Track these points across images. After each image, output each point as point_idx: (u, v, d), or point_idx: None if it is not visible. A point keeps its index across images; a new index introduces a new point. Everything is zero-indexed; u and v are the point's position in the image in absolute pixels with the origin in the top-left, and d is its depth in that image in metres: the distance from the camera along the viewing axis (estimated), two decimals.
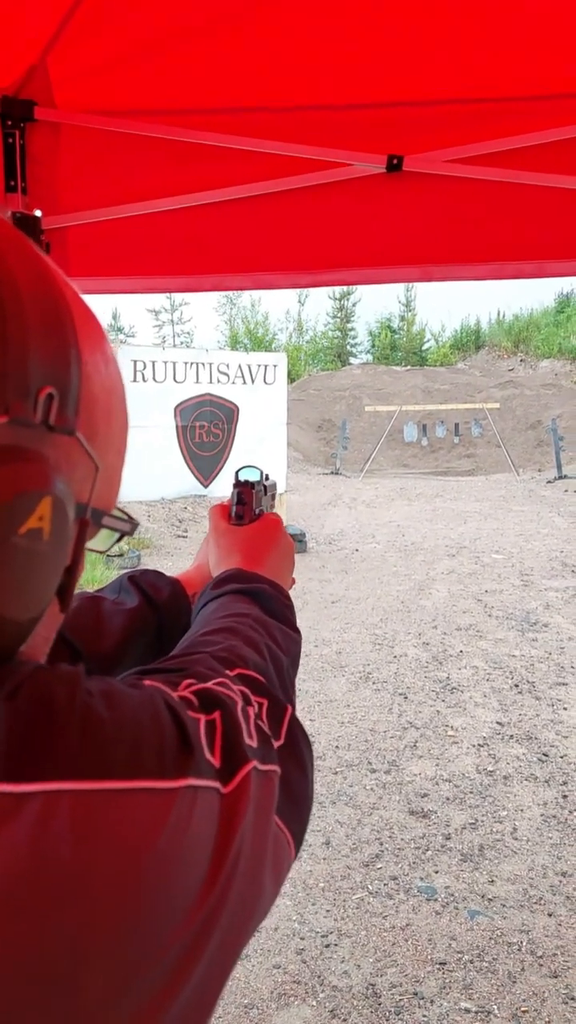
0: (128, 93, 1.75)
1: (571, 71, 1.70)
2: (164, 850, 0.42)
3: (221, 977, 0.47)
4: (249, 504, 0.99)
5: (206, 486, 11.55)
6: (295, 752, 0.59)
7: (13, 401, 0.43)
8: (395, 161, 1.78)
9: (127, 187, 1.83)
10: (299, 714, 0.65)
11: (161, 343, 33.70)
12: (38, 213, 1.79)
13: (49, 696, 0.43)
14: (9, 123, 1.72)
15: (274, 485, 1.11)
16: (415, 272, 1.94)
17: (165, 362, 10.16)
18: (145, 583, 1.00)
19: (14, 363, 0.43)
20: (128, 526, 0.58)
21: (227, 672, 0.59)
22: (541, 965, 2.58)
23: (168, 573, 1.05)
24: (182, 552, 9.95)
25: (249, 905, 0.49)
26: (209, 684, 0.54)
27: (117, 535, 0.59)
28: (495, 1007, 2.40)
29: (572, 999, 2.43)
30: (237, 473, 1.02)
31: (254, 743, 0.52)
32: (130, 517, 0.59)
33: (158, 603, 0.98)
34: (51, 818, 0.38)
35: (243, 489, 0.99)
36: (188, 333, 38.01)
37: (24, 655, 0.49)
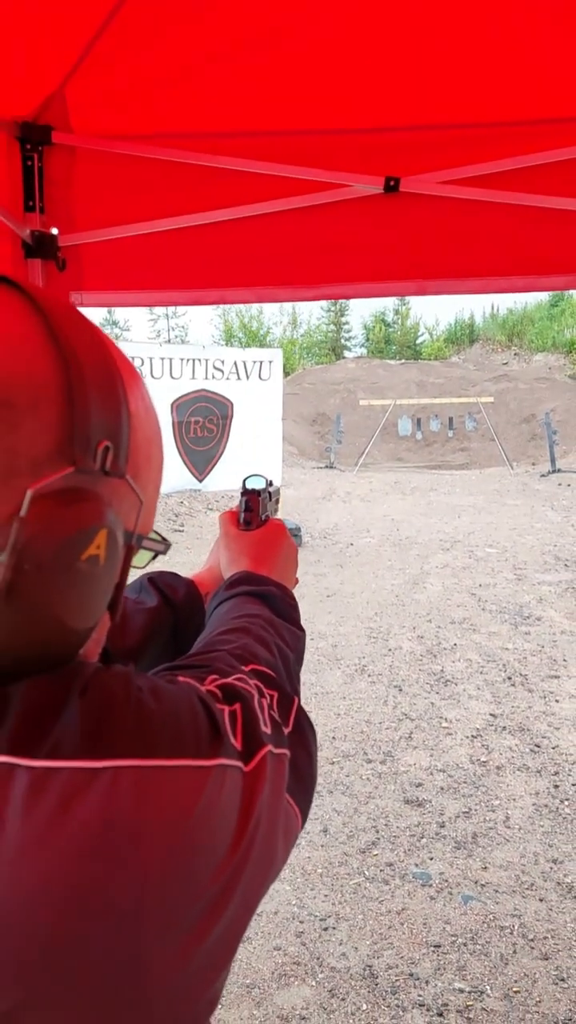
0: (139, 119, 1.83)
1: (559, 97, 1.79)
2: (201, 815, 0.52)
3: (243, 922, 0.57)
4: (256, 511, 1.08)
5: (200, 480, 11.61)
6: (302, 737, 0.70)
7: (79, 455, 0.53)
8: (392, 182, 1.87)
9: (138, 207, 1.91)
10: None
11: (156, 338, 33.64)
12: (55, 231, 1.87)
13: (111, 692, 0.53)
14: (28, 147, 1.80)
15: (278, 491, 1.20)
16: (411, 286, 2.02)
17: (162, 358, 10.20)
18: (163, 584, 1.10)
19: (80, 424, 0.53)
20: (163, 547, 0.68)
21: (243, 668, 0.69)
22: (532, 948, 2.68)
23: (166, 568, 1.14)
24: (178, 546, 10.01)
25: (265, 865, 0.59)
26: (230, 679, 0.64)
27: (153, 554, 0.69)
28: (488, 987, 2.50)
29: (562, 980, 2.53)
30: (244, 481, 1.11)
31: (269, 730, 0.62)
32: (164, 539, 0.69)
33: (175, 603, 1.08)
34: (117, 787, 0.49)
35: (250, 497, 1.08)
36: (183, 327, 37.94)
37: (82, 656, 0.59)
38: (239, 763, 0.57)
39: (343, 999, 2.45)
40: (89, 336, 0.57)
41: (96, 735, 0.50)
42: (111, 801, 0.48)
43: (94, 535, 0.53)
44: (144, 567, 0.70)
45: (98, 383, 0.55)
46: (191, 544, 9.97)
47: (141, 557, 0.68)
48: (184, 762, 0.52)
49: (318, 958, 2.63)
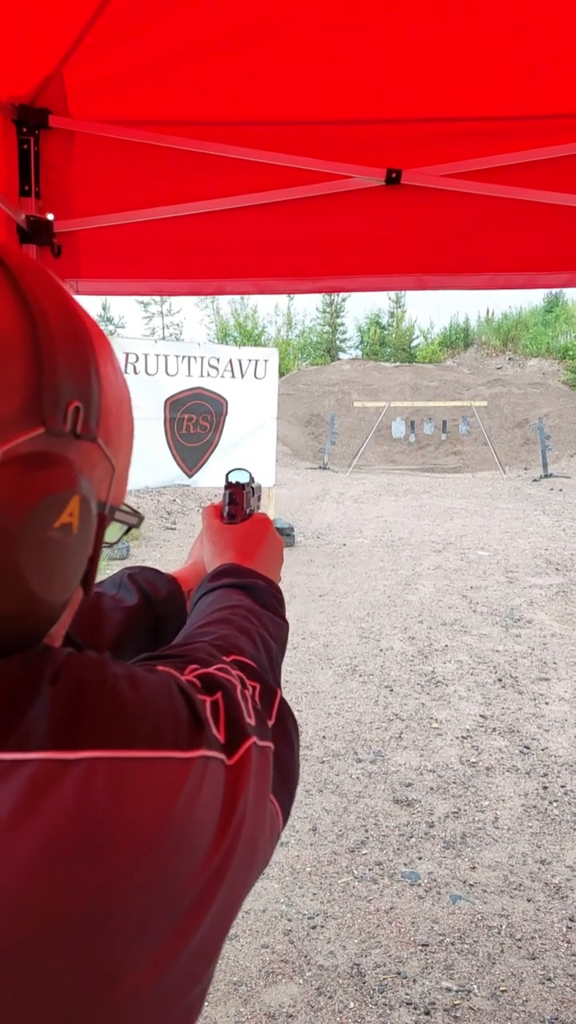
0: (139, 104, 1.81)
1: (563, 93, 1.78)
2: (180, 810, 0.49)
3: (226, 923, 0.54)
4: (240, 504, 1.06)
5: (190, 476, 11.58)
6: (284, 731, 0.67)
7: (48, 415, 0.50)
8: (394, 174, 1.86)
9: (136, 193, 1.89)
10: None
11: (151, 335, 33.59)
12: (50, 217, 1.85)
13: (84, 679, 0.50)
14: (24, 130, 1.78)
15: (259, 487, 1.18)
16: (410, 280, 2.01)
17: (157, 355, 10.19)
18: (144, 581, 1.05)
19: (48, 383, 0.50)
20: (135, 519, 0.65)
21: (224, 658, 0.66)
22: (520, 947, 2.68)
23: (160, 567, 1.10)
24: (171, 544, 10.00)
25: (250, 864, 0.56)
26: (211, 669, 0.61)
27: (125, 527, 0.65)
28: (475, 987, 2.49)
29: (549, 980, 2.52)
30: (228, 475, 1.09)
31: (253, 722, 0.59)
32: (136, 511, 0.65)
33: (155, 602, 1.03)
34: (91, 780, 0.45)
35: (235, 490, 1.07)
36: (177, 325, 37.90)
37: (49, 639, 0.56)
38: (222, 755, 0.54)
39: (330, 997, 2.43)
40: (56, 294, 0.54)
41: (68, 724, 0.47)
42: (84, 795, 0.45)
43: (67, 501, 0.50)
44: (115, 542, 0.67)
45: (67, 341, 0.52)
46: (183, 542, 9.95)
47: (113, 531, 0.64)
48: (163, 754, 0.49)
49: (306, 956, 2.62)
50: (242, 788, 0.55)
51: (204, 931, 0.50)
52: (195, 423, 11.06)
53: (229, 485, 1.07)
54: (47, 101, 1.80)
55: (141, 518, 0.66)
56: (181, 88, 1.78)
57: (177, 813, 0.49)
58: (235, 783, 0.54)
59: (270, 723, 0.64)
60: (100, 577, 0.86)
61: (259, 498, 1.17)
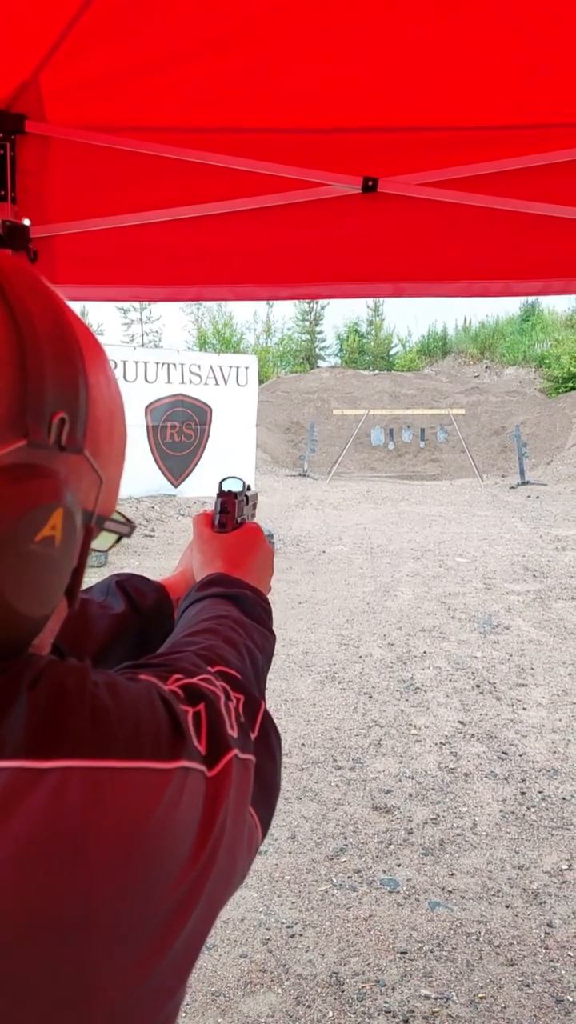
0: (116, 110, 1.81)
1: (539, 103, 1.80)
2: (158, 822, 0.48)
3: (202, 936, 0.54)
4: (232, 513, 1.04)
5: (176, 486, 11.56)
6: (267, 745, 0.66)
7: (31, 426, 0.50)
8: (370, 183, 1.87)
9: (113, 199, 1.89)
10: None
11: (130, 341, 33.47)
12: (27, 222, 1.85)
13: (63, 686, 0.49)
14: (0, 135, 1.78)
15: (255, 495, 1.16)
16: (387, 288, 2.02)
17: (136, 362, 10.18)
18: (131, 588, 1.03)
19: (33, 393, 0.50)
20: (127, 528, 0.64)
21: (209, 669, 0.65)
22: (498, 954, 2.68)
23: (148, 575, 1.09)
24: (149, 552, 9.94)
25: (228, 876, 0.56)
26: (195, 680, 0.60)
27: (116, 536, 0.64)
28: (454, 994, 2.49)
29: (527, 986, 2.53)
30: (220, 483, 1.07)
31: (235, 734, 0.59)
32: (128, 520, 0.64)
33: (143, 610, 1.01)
34: (65, 790, 0.45)
35: (226, 499, 1.05)
36: (157, 332, 37.80)
37: (35, 647, 0.56)
38: (202, 767, 0.53)
39: (309, 1006, 2.42)
40: (45, 301, 0.53)
41: (44, 732, 0.46)
42: (57, 804, 0.44)
43: (49, 514, 0.50)
44: (107, 550, 0.66)
45: (53, 350, 0.52)
46: (162, 550, 9.91)
47: (103, 540, 0.63)
48: (141, 764, 0.49)
49: (284, 965, 2.60)
50: (222, 800, 0.54)
51: (180, 944, 0.50)
52: (179, 431, 11.04)
53: (221, 493, 1.06)
54: (23, 106, 1.79)
55: (133, 527, 0.65)
56: (158, 95, 1.78)
57: (155, 824, 0.48)
58: (215, 795, 0.54)
59: (253, 735, 0.63)
60: (84, 585, 0.84)
61: (254, 506, 1.16)
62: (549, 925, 2.82)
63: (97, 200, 1.89)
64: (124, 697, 0.52)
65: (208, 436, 11.24)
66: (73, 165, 1.87)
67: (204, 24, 1.62)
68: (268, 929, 2.78)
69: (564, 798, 3.75)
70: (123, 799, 0.47)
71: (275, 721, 0.70)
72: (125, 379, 10.15)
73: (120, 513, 0.64)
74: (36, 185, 1.86)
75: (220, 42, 1.66)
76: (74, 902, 0.44)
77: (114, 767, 0.47)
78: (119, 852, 0.46)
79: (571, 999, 2.46)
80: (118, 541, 0.66)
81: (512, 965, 2.62)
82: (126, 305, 36.11)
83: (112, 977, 0.45)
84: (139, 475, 10.66)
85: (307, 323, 37.35)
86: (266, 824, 0.63)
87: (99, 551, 0.63)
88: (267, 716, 0.68)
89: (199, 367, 10.98)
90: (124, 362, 10.14)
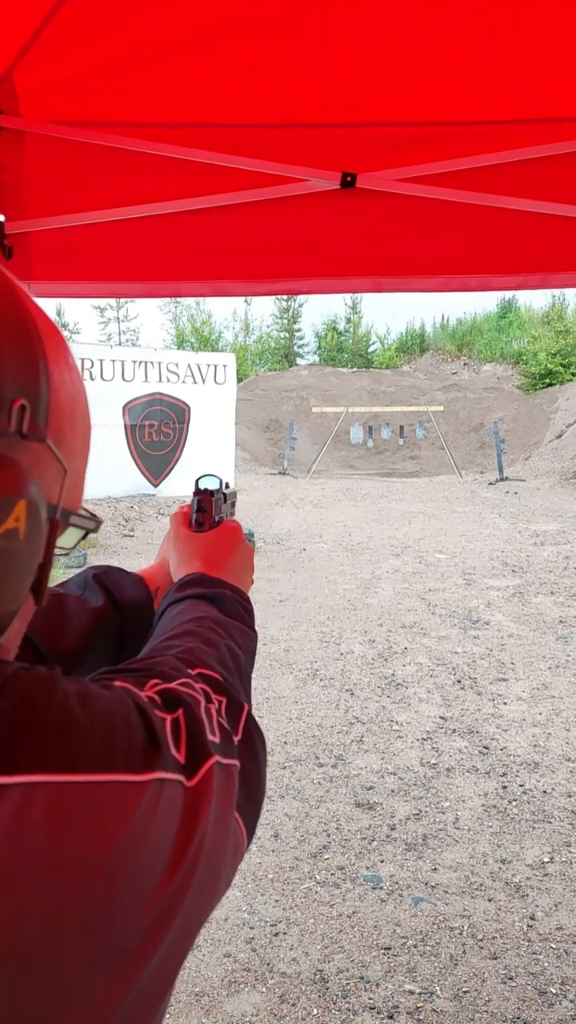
0: (92, 105, 1.79)
1: (515, 99, 1.80)
2: (131, 839, 0.46)
3: (182, 954, 0.51)
4: (209, 511, 1.02)
5: (155, 485, 11.51)
6: (251, 747, 0.64)
7: None
8: (349, 178, 1.86)
9: (90, 195, 1.87)
10: None
11: (107, 340, 33.29)
12: (1, 218, 1.82)
13: (29, 696, 0.47)
14: None
15: (234, 493, 1.14)
16: (367, 283, 2.02)
17: (113, 360, 10.12)
18: (109, 582, 1.00)
19: None
20: (93, 524, 0.62)
21: (189, 672, 0.63)
22: (481, 948, 2.69)
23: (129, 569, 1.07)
24: (128, 551, 9.90)
25: (210, 889, 0.53)
26: (173, 684, 0.58)
27: (83, 532, 0.62)
28: (438, 988, 2.50)
29: (510, 979, 2.54)
30: (197, 481, 1.05)
31: (216, 739, 0.57)
32: (94, 516, 0.62)
33: (122, 603, 0.98)
34: (28, 807, 0.42)
35: (203, 497, 1.02)
36: (134, 331, 37.64)
37: (1, 648, 0.53)
38: (180, 777, 0.51)
39: (293, 1004, 2.42)
40: (2, 287, 0.52)
41: (6, 746, 0.43)
42: (20, 821, 0.41)
43: (12, 506, 0.48)
44: (71, 548, 0.64)
45: (11, 335, 0.50)
46: (141, 549, 9.87)
47: (69, 537, 0.61)
48: (111, 777, 0.46)
49: (268, 964, 2.60)
50: (203, 811, 0.52)
51: (154, 967, 0.47)
52: (157, 430, 10.99)
53: (198, 492, 1.03)
54: None
55: (99, 522, 0.63)
56: (135, 90, 1.76)
57: (127, 841, 0.46)
58: (195, 806, 0.52)
59: (236, 739, 0.61)
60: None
61: (233, 504, 1.13)
62: (531, 918, 2.83)
63: (73, 196, 1.87)
64: (95, 706, 0.49)
65: (187, 435, 11.20)
66: (49, 161, 1.84)
67: (181, 20, 1.61)
68: (252, 928, 2.78)
69: (545, 791, 3.77)
70: (91, 815, 0.44)
71: (258, 721, 0.68)
72: (102, 378, 10.08)
73: (86, 508, 0.62)
74: (11, 181, 1.84)
75: (197, 38, 1.64)
76: (38, 929, 0.41)
77: (82, 781, 0.45)
78: (87, 872, 0.43)
79: (554, 991, 2.48)
80: (84, 537, 0.63)
81: (495, 958, 2.63)
82: (103, 303, 35.90)
83: (81, 1008, 0.42)
84: (118, 475, 10.59)
85: (285, 321, 37.34)
86: (252, 828, 0.61)
87: (63, 548, 0.60)
88: (251, 719, 0.66)
89: (177, 365, 10.94)
90: (101, 361, 10.07)
